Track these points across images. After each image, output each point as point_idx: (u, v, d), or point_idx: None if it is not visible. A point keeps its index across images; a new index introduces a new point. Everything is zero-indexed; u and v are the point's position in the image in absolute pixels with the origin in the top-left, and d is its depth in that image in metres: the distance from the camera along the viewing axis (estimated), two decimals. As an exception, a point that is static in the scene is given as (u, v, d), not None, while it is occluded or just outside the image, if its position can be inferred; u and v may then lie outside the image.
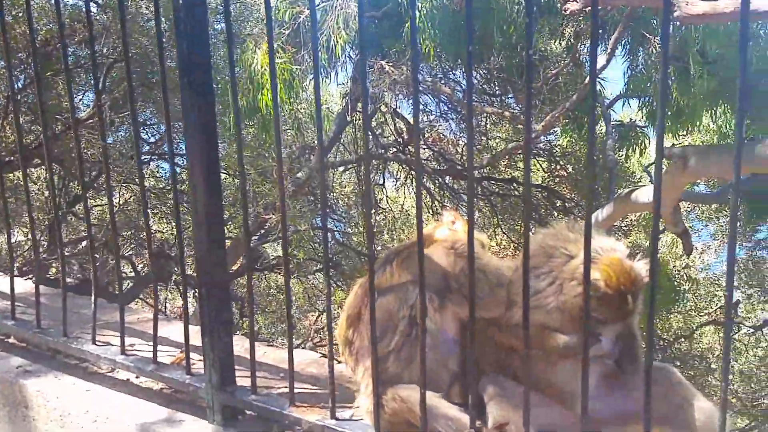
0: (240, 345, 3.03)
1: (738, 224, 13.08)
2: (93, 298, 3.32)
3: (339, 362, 2.96)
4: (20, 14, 8.52)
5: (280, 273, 12.67)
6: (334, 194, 13.29)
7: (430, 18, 9.09)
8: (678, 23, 9.12)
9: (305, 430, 2.69)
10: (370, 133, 11.77)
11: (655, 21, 9.98)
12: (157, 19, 2.79)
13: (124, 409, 2.98)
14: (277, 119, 2.71)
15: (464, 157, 11.87)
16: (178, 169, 9.72)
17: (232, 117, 8.33)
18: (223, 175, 10.77)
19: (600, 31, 10.17)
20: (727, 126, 10.30)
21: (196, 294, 3.13)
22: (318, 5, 9.61)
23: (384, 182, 13.90)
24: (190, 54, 2.67)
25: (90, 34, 3.13)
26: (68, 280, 10.50)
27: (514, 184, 12.28)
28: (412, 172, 12.14)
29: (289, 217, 11.01)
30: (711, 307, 14.01)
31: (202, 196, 2.79)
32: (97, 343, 3.24)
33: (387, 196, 13.89)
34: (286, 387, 2.77)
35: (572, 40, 10.71)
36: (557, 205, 12.47)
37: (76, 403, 3.02)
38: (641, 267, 2.55)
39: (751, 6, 7.02)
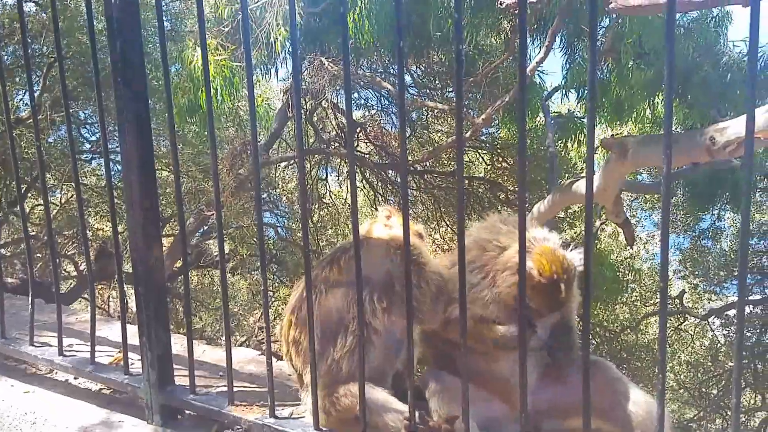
0: (179, 344, 3.03)
1: (681, 214, 13.46)
2: (30, 298, 3.31)
3: (279, 359, 3.04)
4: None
5: (217, 269, 12.66)
6: (277, 190, 13.19)
7: (368, 13, 9.05)
8: (614, 15, 9.30)
9: (245, 430, 2.72)
10: (311, 128, 11.83)
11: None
12: (89, 15, 2.82)
13: (63, 411, 2.96)
14: (210, 117, 2.69)
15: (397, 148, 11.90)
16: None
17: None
18: (164, 173, 10.83)
19: (537, 24, 10.46)
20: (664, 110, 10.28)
21: (134, 292, 2.97)
22: (258, 2, 9.62)
23: (327, 177, 13.85)
24: (123, 52, 2.70)
25: (23, 33, 3.24)
26: (9, 280, 10.42)
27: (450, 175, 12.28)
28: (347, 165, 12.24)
29: (231, 214, 10.97)
30: (656, 298, 13.86)
31: (137, 195, 2.81)
32: (35, 344, 3.25)
33: (330, 191, 13.86)
34: (225, 386, 2.79)
35: (510, 34, 10.70)
36: (500, 197, 12.35)
37: (15, 405, 3.03)
38: (574, 256, 2.60)
39: None
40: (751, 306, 13.38)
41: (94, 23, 2.89)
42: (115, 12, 2.66)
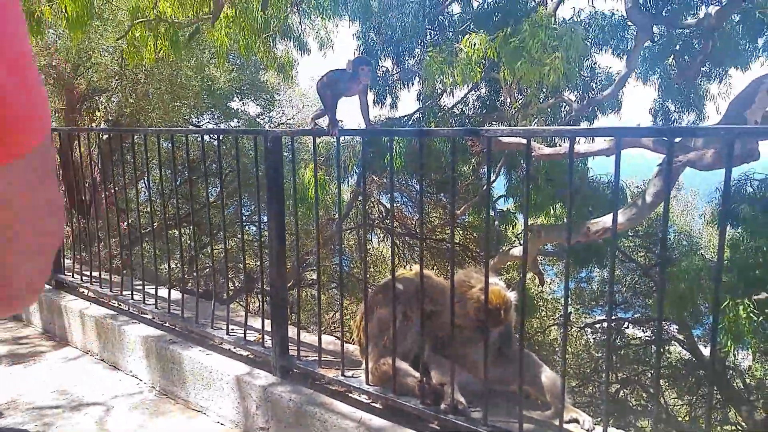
0: (292, 331, 3.09)
1: (569, 267, 14.66)
2: (213, 301, 3.46)
3: (347, 342, 3.16)
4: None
5: (314, 288, 12.99)
6: (345, 245, 13.71)
7: (399, 151, 9.41)
8: (535, 158, 8.98)
9: (326, 381, 2.84)
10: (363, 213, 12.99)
11: (520, 157, 10.28)
12: (256, 158, 3.14)
13: (226, 366, 3.11)
14: (316, 207, 3.15)
15: (417, 227, 12.66)
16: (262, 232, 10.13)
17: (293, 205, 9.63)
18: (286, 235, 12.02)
19: (491, 160, 11.45)
20: (564, 214, 10.23)
21: (267, 300, 3.27)
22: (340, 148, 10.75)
23: (372, 239, 14.16)
24: (272, 175, 2.89)
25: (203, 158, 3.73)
26: (200, 290, 10.73)
27: (446, 243, 12.50)
28: (389, 235, 13.03)
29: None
30: (555, 315, 14.57)
31: (275, 245, 2.95)
32: (213, 327, 3.36)
33: (374, 247, 14.33)
34: (317, 356, 2.92)
35: (476, 165, 11.56)
36: (468, 255, 12.72)
37: (201, 361, 3.20)
38: (511, 294, 2.71)
39: (576, 150, 8.54)
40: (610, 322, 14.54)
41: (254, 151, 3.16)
42: (270, 144, 2.87)
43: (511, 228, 12.37)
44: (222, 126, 12.83)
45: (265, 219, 3.01)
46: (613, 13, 10.19)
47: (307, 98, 18.31)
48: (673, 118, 10.87)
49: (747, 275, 7.30)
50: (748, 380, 13.06)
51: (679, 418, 12.97)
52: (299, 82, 17.82)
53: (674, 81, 10.14)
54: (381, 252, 13.54)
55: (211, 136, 9.21)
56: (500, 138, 5.96)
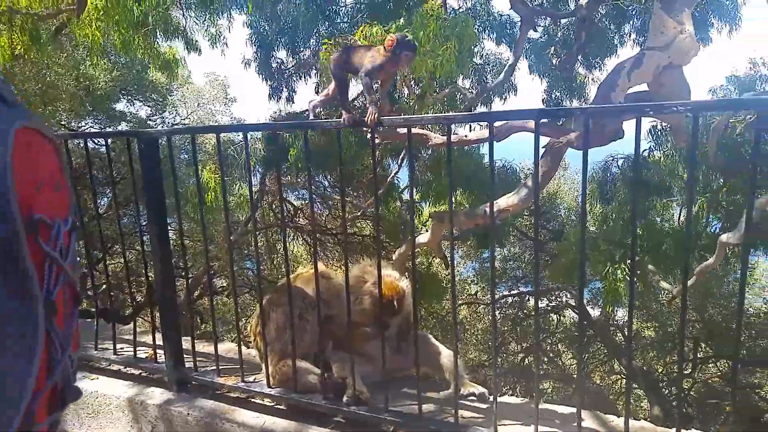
0: (188, 343, 2.97)
1: (473, 249, 14.38)
2: (96, 320, 3.31)
3: (248, 348, 3.11)
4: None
5: (222, 295, 13.00)
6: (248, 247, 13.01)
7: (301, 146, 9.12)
8: (433, 147, 9.33)
9: (226, 390, 2.78)
10: (272, 211, 12.85)
11: (421, 147, 9.87)
12: (130, 161, 2.83)
13: (116, 388, 2.96)
14: (201, 210, 3.15)
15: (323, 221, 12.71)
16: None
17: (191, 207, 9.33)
18: (188, 241, 11.20)
19: (393, 152, 11.35)
20: (465, 199, 10.92)
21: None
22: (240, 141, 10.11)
23: (285, 240, 13.39)
24: (150, 179, 2.78)
25: (110, 165, 3.27)
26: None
27: (356, 236, 12.74)
28: (299, 233, 12.95)
29: (226, 263, 10.73)
30: (463, 295, 14.80)
31: (158, 252, 2.84)
32: (97, 348, 3.20)
33: (279, 247, 12.99)
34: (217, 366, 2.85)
35: (381, 159, 11.30)
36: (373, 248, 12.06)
37: (85, 387, 2.97)
38: (405, 284, 2.74)
39: (468, 137, 7.50)
40: (509, 298, 14.71)
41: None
42: (143, 146, 2.74)
43: (417, 217, 12.26)
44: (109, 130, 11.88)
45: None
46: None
47: (202, 97, 17.52)
48: (562, 104, 11.45)
49: (622, 243, 7.96)
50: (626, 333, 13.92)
51: (573, 375, 13.70)
52: (193, 79, 17.08)
53: (557, 69, 10.63)
54: (291, 251, 13.14)
55: (95, 141, 8.55)
56: (397, 129, 5.95)
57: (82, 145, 3.20)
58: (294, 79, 11.39)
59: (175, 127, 13.83)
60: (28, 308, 0.53)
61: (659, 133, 10.18)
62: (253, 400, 2.73)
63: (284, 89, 11.42)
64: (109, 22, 7.24)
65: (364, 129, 2.36)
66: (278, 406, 2.67)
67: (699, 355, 13.24)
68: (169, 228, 3.13)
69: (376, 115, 2.24)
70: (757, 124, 1.80)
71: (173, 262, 3.02)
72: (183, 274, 7.28)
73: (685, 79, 5.24)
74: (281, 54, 11.29)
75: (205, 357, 3.10)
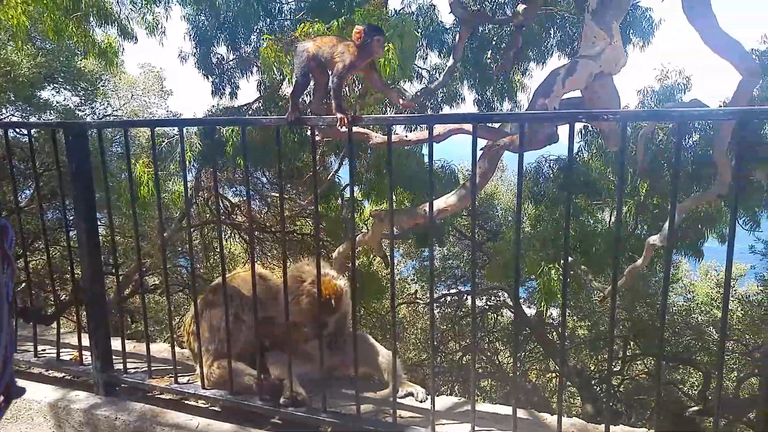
0: (117, 342, 2.87)
1: (413, 248, 14.60)
2: (14, 320, 2.82)
3: (181, 348, 3.02)
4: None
5: (155, 293, 12.63)
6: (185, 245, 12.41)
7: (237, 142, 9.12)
8: (372, 146, 9.16)
9: (158, 392, 2.72)
10: (209, 209, 12.82)
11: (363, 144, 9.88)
12: (56, 154, 2.70)
13: (39, 392, 2.84)
14: (133, 207, 3.15)
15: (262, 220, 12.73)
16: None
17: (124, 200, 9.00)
18: (119, 237, 11.00)
19: (336, 149, 11.33)
20: (405, 199, 11.00)
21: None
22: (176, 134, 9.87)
23: (221, 237, 12.95)
24: (78, 173, 2.66)
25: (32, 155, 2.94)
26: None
27: (296, 234, 12.73)
28: (236, 231, 12.87)
29: (159, 260, 10.75)
30: (403, 294, 15.04)
31: (86, 248, 2.74)
32: (16, 350, 3.01)
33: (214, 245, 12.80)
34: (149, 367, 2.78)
35: (323, 156, 11.49)
36: (321, 244, 11.48)
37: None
38: (343, 283, 2.71)
39: (408, 137, 7.59)
40: (448, 297, 15.06)
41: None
42: (71, 138, 2.63)
43: (358, 215, 12.25)
44: (32, 120, 11.23)
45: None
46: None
47: (137, 88, 16.86)
48: (494, 108, 11.74)
49: (556, 243, 8.31)
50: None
51: (511, 374, 13.95)
52: (126, 69, 16.38)
53: (492, 73, 10.84)
54: (228, 249, 13.05)
55: (17, 130, 8.08)
56: (338, 127, 5.90)
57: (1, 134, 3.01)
58: (236, 74, 11.26)
59: (107, 119, 13.26)
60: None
61: (590, 135, 10.69)
62: (186, 402, 2.67)
63: (227, 85, 11.21)
64: (38, 5, 6.81)
65: (309, 127, 2.34)
66: (213, 408, 2.62)
67: (628, 353, 14.03)
68: (99, 224, 3.01)
69: (346, 120, 2.19)
70: (678, 132, 1.93)
71: (102, 258, 2.91)
72: (113, 270, 6.98)
73: (615, 87, 5.54)
74: (221, 49, 11.11)
75: (136, 358, 3.00)
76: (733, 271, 1.91)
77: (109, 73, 13.74)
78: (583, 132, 10.69)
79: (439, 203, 7.90)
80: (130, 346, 3.16)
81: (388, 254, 10.68)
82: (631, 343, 13.76)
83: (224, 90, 11.23)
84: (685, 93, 10.67)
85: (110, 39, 8.98)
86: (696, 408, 12.39)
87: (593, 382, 13.55)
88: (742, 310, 13.17)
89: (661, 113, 5.26)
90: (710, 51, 5.43)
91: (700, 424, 12.19)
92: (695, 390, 13.89)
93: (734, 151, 6.86)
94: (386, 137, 2.54)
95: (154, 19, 10.02)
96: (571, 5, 9.87)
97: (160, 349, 3.25)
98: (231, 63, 11.21)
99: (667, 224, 7.15)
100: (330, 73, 2.28)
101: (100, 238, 2.89)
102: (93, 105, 13.82)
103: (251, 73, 11.33)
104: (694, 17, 5.28)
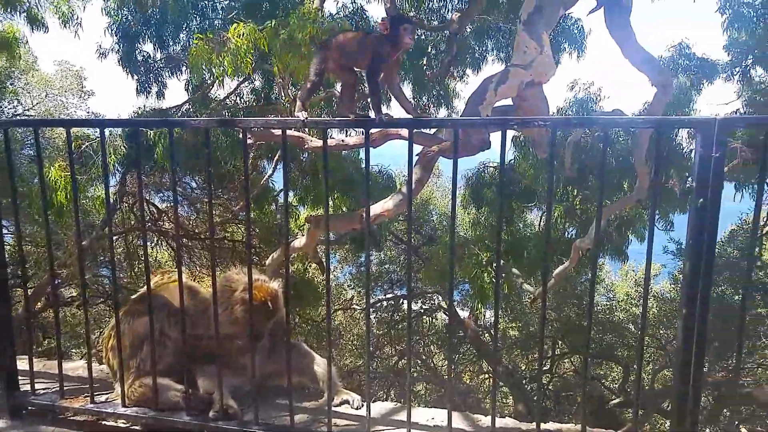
0: (24, 362, 2.74)
1: (350, 254, 14.49)
2: None
3: (100, 365, 2.89)
4: None
5: (72, 306, 11.53)
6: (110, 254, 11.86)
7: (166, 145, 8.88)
8: (309, 151, 9.38)
9: (70, 414, 2.59)
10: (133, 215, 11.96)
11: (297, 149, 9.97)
12: None
13: None
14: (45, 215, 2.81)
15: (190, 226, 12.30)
16: None
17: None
18: (31, 247, 10.41)
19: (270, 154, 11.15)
20: (343, 203, 10.81)
21: None
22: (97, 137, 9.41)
23: (146, 245, 12.37)
24: None
25: None
26: None
27: (226, 241, 12.30)
28: (163, 238, 12.03)
29: (77, 270, 10.40)
30: (339, 300, 14.98)
31: None
32: None
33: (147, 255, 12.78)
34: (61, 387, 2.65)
35: (257, 161, 11.33)
36: (252, 251, 11.73)
37: None
38: (276, 287, 2.67)
39: (345, 142, 7.81)
40: (384, 302, 15.07)
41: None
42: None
43: (293, 220, 11.83)
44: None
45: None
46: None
47: (52, 87, 15.77)
48: (431, 114, 11.92)
49: (489, 247, 8.54)
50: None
51: (445, 376, 14.07)
52: (40, 67, 15.34)
53: (427, 80, 10.98)
54: (154, 258, 12.35)
55: None
56: (272, 130, 5.85)
57: None
58: (164, 74, 10.86)
59: (16, 118, 12.36)
60: None
61: (522, 143, 11.08)
62: (104, 422, 2.56)
63: (153, 84, 10.77)
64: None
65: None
66: (134, 428, 2.52)
67: (556, 352, 14.61)
68: (7, 232, 2.80)
69: (384, 118, 2.08)
70: (605, 138, 2.03)
71: (10, 270, 2.74)
72: (20, 283, 6.49)
73: (545, 95, 5.77)
74: (148, 47, 10.67)
75: (48, 378, 2.83)
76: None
77: (18, 71, 12.85)
78: (514, 141, 11.04)
79: (376, 208, 8.00)
80: (40, 365, 2.98)
81: (323, 260, 10.49)
82: (560, 342, 14.30)
83: (150, 89, 10.81)
84: (596, 104, 11.25)
85: (12, 29, 8.29)
86: (617, 400, 13.05)
87: (524, 382, 13.99)
88: (657, 306, 14.00)
89: (588, 120, 5.51)
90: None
91: (620, 416, 12.91)
92: (615, 384, 14.58)
93: (652, 159, 7.35)
94: (322, 141, 2.49)
95: (69, 8, 9.44)
96: (505, 15, 10.19)
97: (76, 366, 3.07)
98: (159, 62, 10.80)
99: (593, 228, 7.51)
100: (359, 71, 2.18)
101: (7, 247, 2.76)
102: (0, 104, 12.84)
103: (180, 72, 11.00)
104: (614, 30, 5.59)
